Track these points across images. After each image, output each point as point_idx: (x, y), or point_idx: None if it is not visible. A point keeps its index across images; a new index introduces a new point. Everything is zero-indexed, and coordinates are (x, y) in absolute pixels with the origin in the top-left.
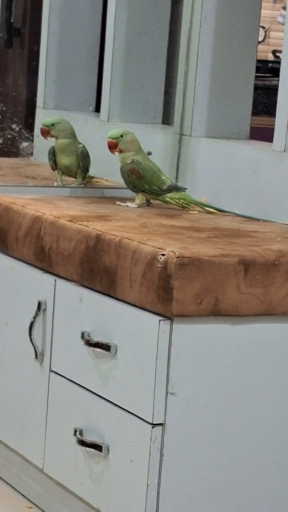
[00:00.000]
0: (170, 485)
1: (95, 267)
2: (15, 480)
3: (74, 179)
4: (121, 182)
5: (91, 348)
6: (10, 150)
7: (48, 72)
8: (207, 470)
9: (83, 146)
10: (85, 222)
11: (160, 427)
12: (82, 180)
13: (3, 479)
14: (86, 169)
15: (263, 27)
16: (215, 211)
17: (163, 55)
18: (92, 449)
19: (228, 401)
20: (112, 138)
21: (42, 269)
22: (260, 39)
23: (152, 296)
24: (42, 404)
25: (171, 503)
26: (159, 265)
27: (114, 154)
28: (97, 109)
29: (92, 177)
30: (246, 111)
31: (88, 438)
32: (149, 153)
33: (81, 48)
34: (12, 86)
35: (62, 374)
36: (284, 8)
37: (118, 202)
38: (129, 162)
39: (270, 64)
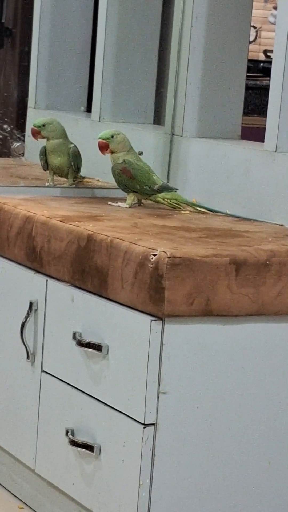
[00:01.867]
0: (162, 486)
1: (86, 267)
2: (6, 480)
3: (65, 179)
4: (112, 182)
5: (83, 348)
6: (1, 150)
7: (39, 72)
8: (199, 470)
9: (75, 146)
10: (77, 222)
11: (152, 427)
12: (74, 180)
13: None
14: (77, 169)
15: (254, 27)
16: (206, 211)
17: (154, 55)
18: (83, 449)
19: (219, 401)
20: (103, 139)
21: (33, 269)
22: (251, 39)
23: (143, 296)
24: (34, 404)
25: (163, 503)
26: (151, 265)
27: (105, 155)
28: (89, 109)
29: (84, 177)
30: (237, 111)
31: (79, 438)
32: (141, 153)
33: (72, 48)
34: (3, 86)
35: (54, 374)
36: (275, 8)
37: (109, 202)
38: (120, 162)
39: (261, 64)
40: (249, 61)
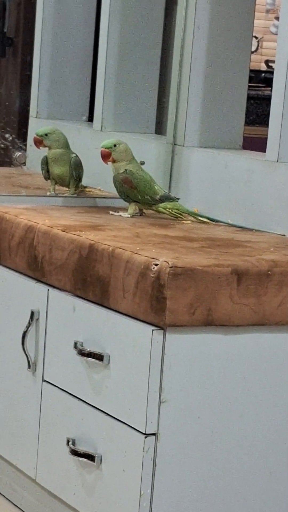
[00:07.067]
0: (163, 495)
1: (88, 277)
2: (7, 490)
3: (67, 189)
4: (114, 191)
5: (84, 358)
6: (3, 159)
7: (41, 81)
8: (200, 480)
9: (76, 155)
10: (78, 232)
11: (153, 437)
12: (75, 190)
13: None
14: (79, 179)
15: (256, 37)
16: (208, 221)
17: (156, 65)
18: (84, 459)
19: (221, 411)
20: (105, 148)
21: (35, 279)
22: (253, 49)
23: (145, 306)
24: (35, 414)
25: None
26: (152, 275)
27: (107, 164)
28: (90, 118)
29: (85, 187)
30: (239, 121)
31: (80, 448)
32: (142, 163)
33: (74, 58)
34: (5, 96)
35: (55, 384)
36: (277, 18)
37: (111, 212)
38: (122, 171)
39: (263, 74)
40: (251, 71)
